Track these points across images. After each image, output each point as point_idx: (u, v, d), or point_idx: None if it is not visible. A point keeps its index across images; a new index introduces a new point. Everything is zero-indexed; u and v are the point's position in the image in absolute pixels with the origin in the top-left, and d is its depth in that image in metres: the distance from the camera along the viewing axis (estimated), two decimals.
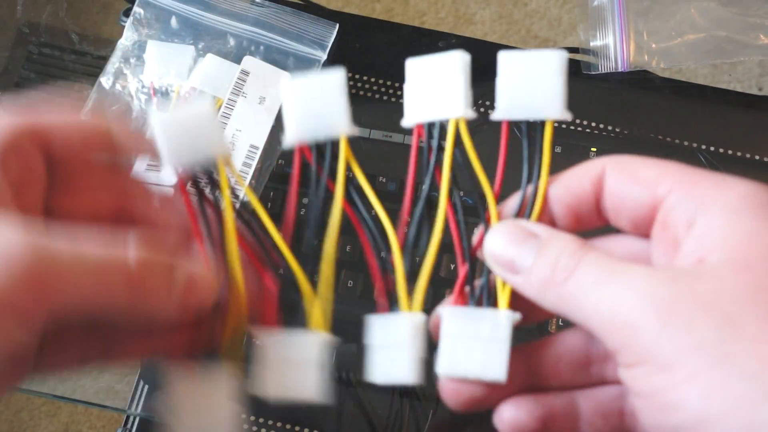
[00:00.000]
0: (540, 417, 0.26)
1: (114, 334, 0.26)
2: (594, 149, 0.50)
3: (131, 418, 0.46)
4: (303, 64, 0.50)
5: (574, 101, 0.52)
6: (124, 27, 0.50)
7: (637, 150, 0.50)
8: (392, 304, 0.27)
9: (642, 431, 0.23)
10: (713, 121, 0.52)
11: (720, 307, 0.20)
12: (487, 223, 0.26)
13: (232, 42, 0.51)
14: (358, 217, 0.27)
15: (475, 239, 0.27)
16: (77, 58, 0.53)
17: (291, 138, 0.27)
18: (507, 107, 0.26)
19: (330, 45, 0.50)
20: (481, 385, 0.26)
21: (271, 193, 0.49)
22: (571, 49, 0.54)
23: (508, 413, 0.27)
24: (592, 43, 0.52)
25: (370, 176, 0.49)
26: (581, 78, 0.52)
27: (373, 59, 0.53)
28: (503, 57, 0.25)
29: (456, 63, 0.26)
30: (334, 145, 0.27)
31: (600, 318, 0.22)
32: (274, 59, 0.50)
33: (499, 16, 0.77)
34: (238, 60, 0.49)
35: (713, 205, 0.23)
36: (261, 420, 0.45)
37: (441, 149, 0.27)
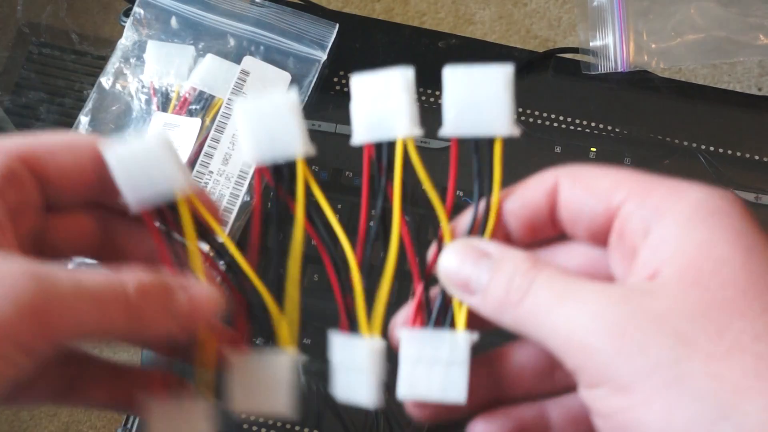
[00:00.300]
0: (513, 430, 0.27)
1: (85, 375, 0.27)
2: (593, 149, 0.50)
3: (131, 418, 0.46)
4: (303, 64, 0.50)
5: (573, 101, 0.52)
6: (124, 27, 0.50)
7: (638, 150, 0.50)
8: (353, 324, 0.28)
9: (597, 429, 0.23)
10: (713, 122, 0.52)
11: (672, 325, 0.20)
12: (440, 241, 0.26)
13: (232, 42, 0.51)
14: (319, 237, 0.27)
15: (429, 257, 0.27)
16: (77, 58, 0.53)
17: (249, 160, 0.27)
18: (454, 124, 0.25)
19: (330, 45, 0.50)
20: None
21: (271, 193, 0.49)
22: (571, 50, 0.54)
23: (483, 428, 0.27)
24: (591, 44, 0.52)
25: (370, 176, 0.49)
26: (581, 78, 0.52)
27: (373, 59, 0.53)
28: (448, 73, 0.25)
29: (399, 81, 0.25)
30: (292, 166, 0.27)
31: (556, 340, 0.22)
32: (274, 59, 0.50)
33: (499, 16, 0.77)
34: (238, 60, 0.49)
35: (667, 214, 0.22)
36: (261, 420, 0.45)
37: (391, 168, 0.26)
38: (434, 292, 0.27)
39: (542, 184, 0.25)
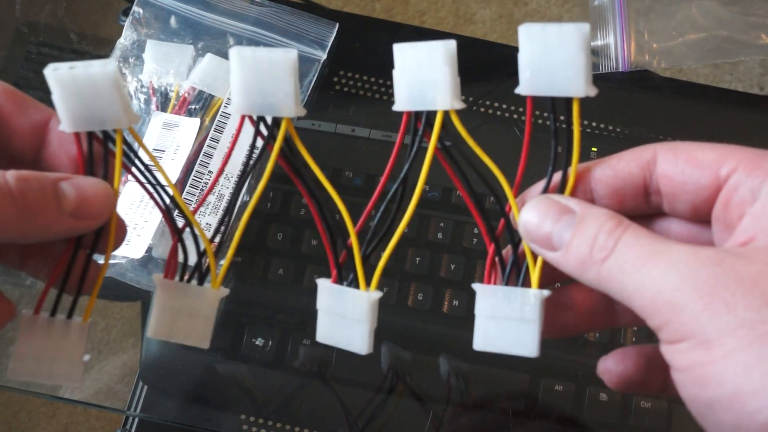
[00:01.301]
0: (644, 367, 0.28)
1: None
2: (595, 149, 0.50)
3: (130, 419, 0.46)
4: (303, 63, 0.50)
5: None
6: (123, 26, 0.50)
7: None
8: (342, 276, 0.29)
9: (674, 383, 0.24)
10: (714, 121, 0.51)
11: (761, 288, 0.21)
12: (505, 209, 0.27)
13: (231, 41, 0.50)
14: (304, 188, 0.28)
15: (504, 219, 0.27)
16: (76, 57, 0.53)
17: (236, 109, 0.27)
18: (530, 83, 0.25)
19: (330, 44, 0.50)
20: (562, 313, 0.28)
21: (271, 193, 0.49)
22: None
23: (615, 366, 0.28)
24: (592, 43, 0.52)
25: (370, 176, 0.49)
26: None
27: (373, 59, 0.53)
28: (523, 30, 0.25)
29: (441, 53, 0.25)
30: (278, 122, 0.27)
31: (642, 298, 0.22)
32: None
33: (499, 16, 0.77)
34: None
35: None
36: (261, 420, 0.45)
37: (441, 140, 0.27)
38: (507, 251, 0.28)
39: (638, 157, 0.26)
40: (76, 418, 0.75)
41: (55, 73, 0.25)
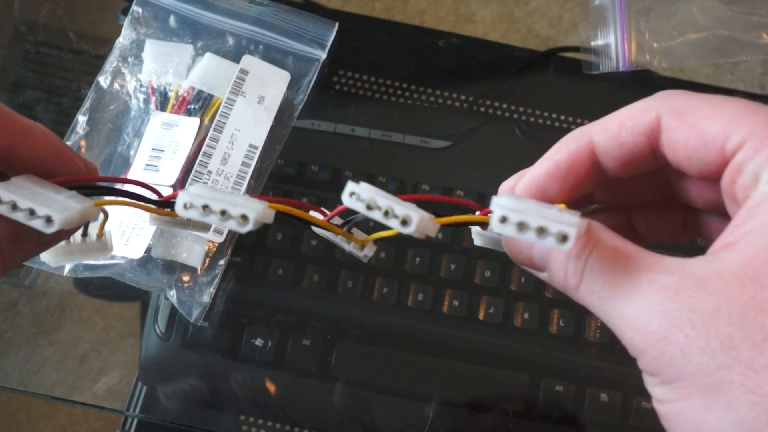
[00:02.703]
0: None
1: None
2: None
3: (129, 420, 0.46)
4: (302, 63, 0.50)
5: (575, 100, 0.52)
6: (122, 26, 0.50)
7: None
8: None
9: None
10: None
11: (718, 329, 0.20)
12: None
13: (231, 41, 0.50)
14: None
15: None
16: (75, 56, 0.52)
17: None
18: None
19: (329, 44, 0.50)
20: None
21: (270, 193, 0.49)
22: (572, 49, 0.54)
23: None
24: (593, 43, 0.52)
25: (369, 176, 0.49)
26: (582, 77, 0.51)
27: (372, 58, 0.53)
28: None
29: None
30: None
31: (614, 328, 0.22)
32: (274, 58, 0.50)
33: (500, 15, 0.77)
34: (237, 59, 0.49)
35: None
36: (261, 420, 0.45)
37: None
38: None
39: (641, 123, 0.24)
40: (75, 419, 0.75)
41: None
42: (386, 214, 0.23)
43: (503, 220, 0.22)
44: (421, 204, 0.24)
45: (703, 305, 0.20)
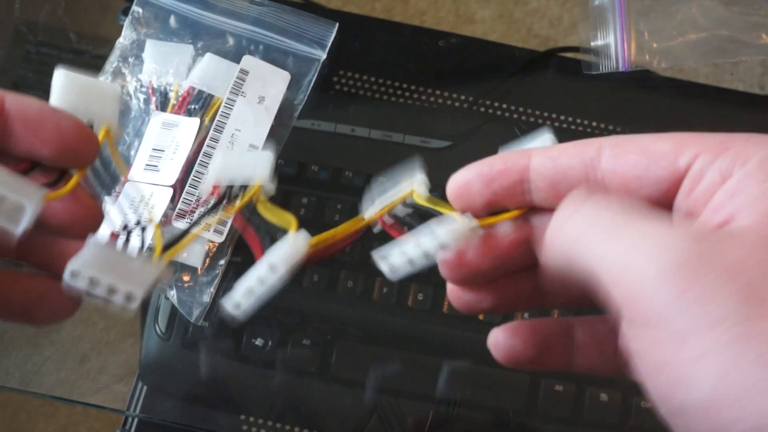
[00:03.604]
0: (535, 344, 0.26)
1: None
2: None
3: (130, 419, 0.46)
4: (302, 63, 0.50)
5: (574, 101, 0.52)
6: (122, 26, 0.50)
7: None
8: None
9: (636, 373, 0.21)
10: (715, 121, 0.51)
11: (745, 279, 0.18)
12: None
13: (231, 41, 0.50)
14: None
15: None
16: (75, 57, 0.53)
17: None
18: None
19: (330, 44, 0.50)
20: (485, 295, 0.27)
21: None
22: (572, 49, 0.54)
23: (504, 340, 0.26)
24: (592, 43, 0.52)
25: (369, 177, 0.49)
26: (582, 77, 0.51)
27: (373, 58, 0.53)
28: None
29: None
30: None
31: (607, 269, 0.20)
32: (274, 58, 0.50)
33: (500, 15, 0.77)
34: (237, 59, 0.49)
35: (751, 159, 0.20)
36: (261, 420, 0.45)
37: None
38: None
39: (581, 152, 0.24)
40: (76, 419, 0.75)
41: (67, 70, 0.26)
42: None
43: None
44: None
45: (729, 255, 0.18)
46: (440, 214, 0.26)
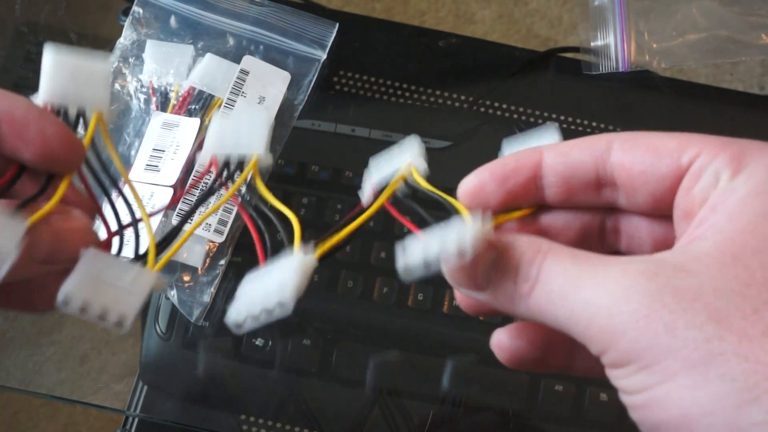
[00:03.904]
0: (539, 345, 0.26)
1: None
2: None
3: (130, 419, 0.46)
4: (302, 63, 0.50)
5: (574, 101, 0.52)
6: (123, 26, 0.50)
7: None
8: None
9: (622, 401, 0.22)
10: (715, 121, 0.51)
11: (703, 303, 0.19)
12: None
13: (231, 41, 0.50)
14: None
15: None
16: None
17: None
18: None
19: (330, 44, 0.50)
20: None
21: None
22: (572, 49, 0.54)
23: (508, 340, 0.27)
24: (592, 43, 0.52)
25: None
26: (582, 78, 0.51)
27: (373, 59, 0.53)
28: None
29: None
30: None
31: (576, 326, 0.21)
32: (274, 59, 0.50)
33: (500, 16, 0.77)
34: (237, 59, 0.49)
35: (747, 167, 0.21)
36: (261, 420, 0.45)
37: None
38: None
39: (592, 146, 0.24)
40: (76, 418, 0.75)
41: (56, 50, 0.25)
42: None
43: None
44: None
45: (686, 283, 0.20)
46: (440, 198, 0.26)
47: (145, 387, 0.46)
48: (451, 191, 0.49)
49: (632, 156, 0.24)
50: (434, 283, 0.47)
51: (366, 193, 0.27)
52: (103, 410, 0.47)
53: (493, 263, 0.23)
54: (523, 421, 0.45)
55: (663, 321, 0.19)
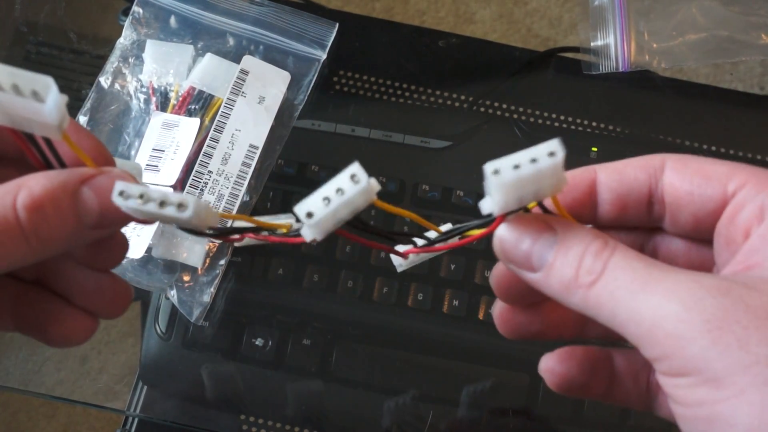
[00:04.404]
0: (587, 371, 0.27)
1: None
2: (595, 149, 0.49)
3: (130, 419, 0.46)
4: (303, 63, 0.50)
5: (574, 101, 0.52)
6: (122, 26, 0.50)
7: (639, 150, 0.50)
8: None
9: (664, 408, 0.23)
10: (715, 121, 0.51)
11: None
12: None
13: (231, 41, 0.50)
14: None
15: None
16: (76, 57, 0.53)
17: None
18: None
19: (330, 44, 0.50)
20: (534, 319, 0.27)
21: (271, 193, 0.49)
22: (572, 49, 0.54)
23: (558, 365, 0.27)
24: (592, 43, 0.52)
25: (369, 176, 0.49)
26: (582, 77, 0.51)
27: (373, 59, 0.53)
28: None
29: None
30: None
31: (638, 327, 0.21)
32: (274, 59, 0.50)
33: (500, 15, 0.77)
34: (237, 59, 0.49)
35: None
36: (261, 420, 0.45)
37: None
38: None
39: (646, 164, 0.25)
40: (76, 419, 0.75)
41: None
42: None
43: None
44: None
45: (758, 301, 0.20)
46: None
47: (145, 387, 0.46)
48: (451, 191, 0.49)
49: (682, 176, 0.24)
50: (434, 283, 0.47)
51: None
52: (103, 410, 0.47)
53: (552, 244, 0.23)
54: (523, 421, 0.45)
55: (735, 335, 0.19)
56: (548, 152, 0.21)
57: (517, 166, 0.21)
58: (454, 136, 0.50)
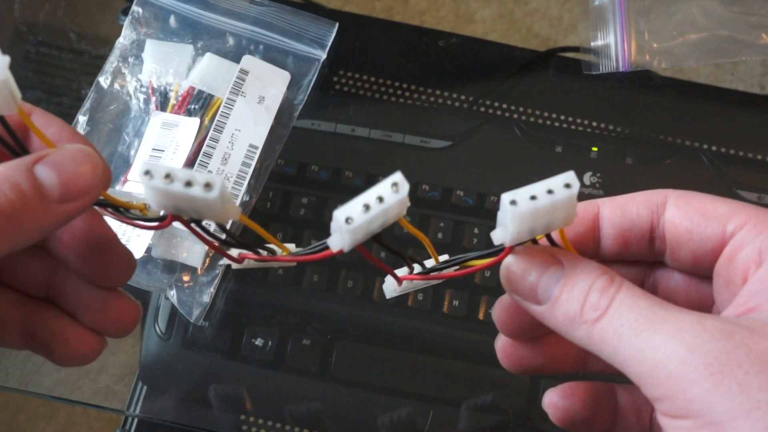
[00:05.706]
0: (590, 406, 0.27)
1: None
2: (595, 149, 0.49)
3: (129, 419, 0.46)
4: (302, 63, 0.50)
5: (575, 101, 0.52)
6: (122, 26, 0.50)
7: (639, 150, 0.50)
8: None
9: None
10: (715, 121, 0.51)
11: None
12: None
13: (231, 41, 0.50)
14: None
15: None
16: (75, 57, 0.53)
17: None
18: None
19: (330, 44, 0.50)
20: (537, 353, 0.27)
21: (270, 193, 0.49)
22: (572, 49, 0.54)
23: (561, 400, 0.27)
24: (593, 43, 0.52)
25: (370, 176, 0.49)
26: (582, 77, 0.51)
27: (372, 58, 0.53)
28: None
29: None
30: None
31: (640, 366, 0.21)
32: (274, 58, 0.50)
33: (500, 15, 0.77)
34: (237, 59, 0.49)
35: None
36: (261, 420, 0.45)
37: None
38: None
39: (649, 200, 0.25)
40: (75, 419, 0.75)
41: None
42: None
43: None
44: None
45: (760, 346, 0.20)
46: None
47: (145, 387, 0.46)
48: (451, 191, 0.49)
49: (683, 214, 0.24)
50: (433, 284, 0.47)
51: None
52: (103, 410, 0.47)
53: (559, 278, 0.23)
54: (523, 421, 0.45)
55: (737, 379, 0.19)
56: (564, 184, 0.21)
57: (533, 197, 0.21)
58: (454, 136, 0.50)
